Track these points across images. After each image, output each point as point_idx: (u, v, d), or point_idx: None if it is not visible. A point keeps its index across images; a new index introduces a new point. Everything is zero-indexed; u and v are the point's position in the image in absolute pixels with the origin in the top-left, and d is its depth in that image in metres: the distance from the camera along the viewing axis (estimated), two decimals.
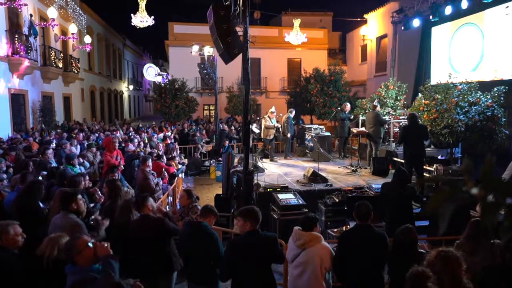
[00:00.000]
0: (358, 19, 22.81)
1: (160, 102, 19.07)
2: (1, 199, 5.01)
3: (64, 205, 3.76)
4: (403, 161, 8.13)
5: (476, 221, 3.48)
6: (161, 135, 13.06)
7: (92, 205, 4.82)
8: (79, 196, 3.87)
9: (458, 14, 12.33)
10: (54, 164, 6.94)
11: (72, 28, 16.48)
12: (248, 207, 3.62)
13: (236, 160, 10.12)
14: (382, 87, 12.06)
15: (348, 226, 5.70)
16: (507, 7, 10.85)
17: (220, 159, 10.98)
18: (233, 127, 15.48)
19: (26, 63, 12.79)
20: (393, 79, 12.72)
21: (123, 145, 9.38)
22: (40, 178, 5.52)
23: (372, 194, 6.75)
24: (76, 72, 18.48)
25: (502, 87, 8.88)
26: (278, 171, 9.84)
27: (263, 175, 8.88)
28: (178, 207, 7.29)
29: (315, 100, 17.80)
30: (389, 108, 11.41)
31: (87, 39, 17.86)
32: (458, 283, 2.59)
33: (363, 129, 10.19)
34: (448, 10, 12.14)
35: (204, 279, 3.74)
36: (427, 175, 8.04)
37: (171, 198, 7.79)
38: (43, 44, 15.31)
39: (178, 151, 11.68)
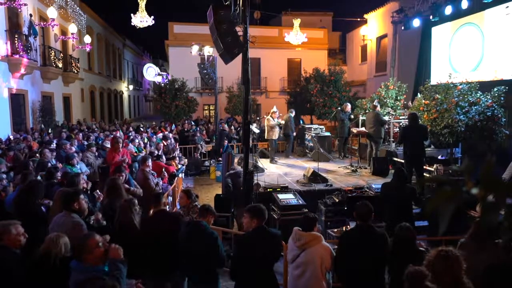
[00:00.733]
0: (358, 19, 22.82)
1: (160, 102, 19.07)
2: (1, 198, 5.01)
3: (65, 204, 3.77)
4: (403, 161, 8.13)
5: (479, 221, 3.48)
6: (160, 135, 13.06)
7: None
8: (81, 196, 3.88)
9: (458, 14, 12.32)
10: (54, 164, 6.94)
11: (72, 28, 16.47)
12: (256, 205, 3.65)
13: (236, 160, 10.12)
14: (382, 87, 12.05)
15: (348, 226, 5.70)
16: (507, 7, 10.84)
17: (220, 159, 10.98)
18: (233, 127, 15.47)
19: (25, 63, 12.79)
20: (393, 79, 12.72)
21: (123, 145, 9.36)
22: (39, 177, 5.53)
23: (372, 194, 6.75)
24: (76, 72, 18.48)
25: (502, 87, 8.88)
26: (278, 171, 9.84)
27: (263, 175, 8.88)
28: (178, 207, 7.30)
29: (315, 100, 17.79)
30: (389, 108, 11.41)
31: (87, 39, 17.86)
32: (458, 283, 2.59)
33: (363, 129, 10.19)
34: (448, 10, 12.14)
35: (204, 278, 3.74)
36: (427, 175, 8.04)
37: (171, 198, 7.78)
38: (43, 44, 15.31)
39: (178, 151, 11.68)
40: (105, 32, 26.50)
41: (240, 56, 6.14)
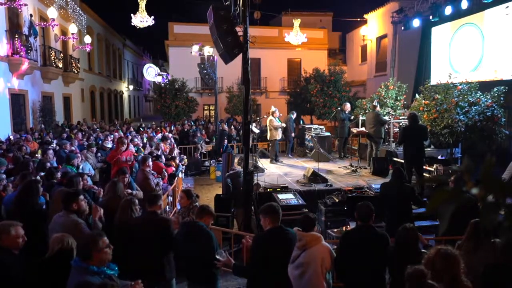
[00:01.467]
0: (358, 19, 22.83)
1: (160, 102, 19.09)
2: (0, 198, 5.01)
3: (65, 205, 3.78)
4: (403, 161, 8.13)
5: (476, 221, 3.49)
6: (160, 135, 13.06)
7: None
8: (81, 197, 3.88)
9: (458, 14, 12.33)
10: (55, 164, 6.94)
11: (72, 28, 16.48)
12: (268, 204, 3.64)
13: (236, 161, 10.12)
14: (382, 87, 12.05)
15: (348, 226, 5.70)
16: (507, 7, 10.85)
17: (220, 159, 10.97)
18: (232, 127, 15.48)
19: (26, 63, 12.79)
20: (393, 79, 12.72)
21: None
22: (38, 177, 5.53)
23: (372, 194, 6.75)
24: (76, 72, 18.48)
25: (502, 87, 8.88)
26: (278, 171, 9.84)
27: (263, 175, 8.88)
28: (178, 207, 7.30)
29: (315, 100, 17.80)
30: (389, 108, 11.41)
31: (87, 39, 17.86)
32: (457, 281, 2.61)
33: (363, 129, 10.19)
34: (448, 10, 12.14)
35: (202, 279, 3.74)
36: (427, 175, 8.04)
37: (171, 198, 7.79)
38: (43, 44, 15.31)
39: (178, 151, 11.68)
40: (105, 32, 26.50)
41: (240, 56, 6.14)
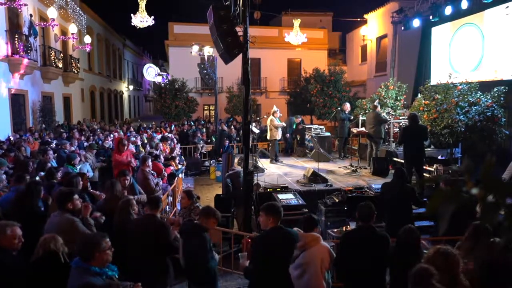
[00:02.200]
0: (358, 19, 22.82)
1: (160, 102, 19.10)
2: None
3: (60, 204, 3.78)
4: (403, 161, 8.13)
5: (476, 223, 3.51)
6: (159, 135, 13.07)
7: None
8: (76, 196, 3.87)
9: (458, 14, 12.32)
10: (54, 165, 6.94)
11: (72, 28, 16.48)
12: (271, 203, 3.62)
13: (236, 161, 10.12)
14: (382, 87, 12.05)
15: (348, 227, 5.70)
16: (507, 7, 10.84)
17: (220, 159, 10.97)
18: (232, 127, 15.48)
19: (26, 63, 12.79)
20: (393, 79, 12.72)
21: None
22: (37, 178, 5.52)
23: (372, 194, 6.75)
24: (76, 72, 18.48)
25: (502, 87, 8.88)
26: (278, 171, 9.84)
27: (263, 175, 8.88)
28: (179, 207, 7.30)
29: (315, 100, 17.80)
30: (389, 108, 11.41)
31: (87, 39, 17.86)
32: (456, 280, 2.61)
33: (363, 129, 10.18)
34: (448, 10, 12.13)
35: (202, 279, 3.74)
36: (427, 175, 8.04)
37: (171, 198, 7.79)
38: (43, 44, 15.31)
39: (179, 149, 11.68)
40: (105, 32, 26.50)
41: (240, 56, 6.13)
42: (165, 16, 26.57)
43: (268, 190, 7.22)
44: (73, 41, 17.72)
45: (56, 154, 7.90)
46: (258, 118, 17.08)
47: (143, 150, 9.64)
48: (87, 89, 22.20)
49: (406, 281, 2.71)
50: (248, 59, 6.15)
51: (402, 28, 15.61)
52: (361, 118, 11.28)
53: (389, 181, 6.01)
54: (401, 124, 10.28)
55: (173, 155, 10.28)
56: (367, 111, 11.15)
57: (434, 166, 8.11)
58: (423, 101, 9.55)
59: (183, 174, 10.55)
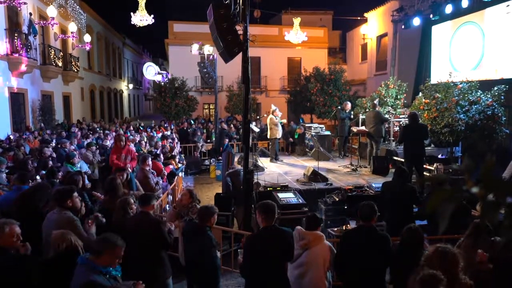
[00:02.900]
0: (358, 18, 22.78)
1: (160, 101, 19.07)
2: None
3: (59, 201, 3.75)
4: (403, 160, 8.13)
5: (477, 222, 3.51)
6: (159, 134, 13.06)
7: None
8: (75, 194, 3.86)
9: (459, 12, 12.30)
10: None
11: (72, 27, 16.46)
12: (264, 201, 3.60)
13: (236, 159, 10.11)
14: (382, 86, 12.04)
15: (349, 226, 5.70)
16: (507, 5, 10.82)
17: (220, 158, 10.97)
18: (232, 126, 15.47)
19: (25, 62, 12.78)
20: (393, 78, 12.70)
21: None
22: (38, 177, 5.50)
23: (372, 193, 6.75)
24: (75, 71, 18.47)
25: (503, 86, 8.87)
26: (278, 170, 9.84)
27: (263, 174, 8.87)
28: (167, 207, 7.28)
29: (315, 99, 17.79)
30: (389, 107, 11.41)
31: (87, 37, 17.84)
32: (455, 279, 2.60)
33: (363, 128, 10.18)
34: (449, 8, 12.11)
35: (206, 278, 3.74)
36: (427, 174, 8.04)
37: (171, 197, 7.78)
38: (42, 43, 15.30)
39: (179, 147, 11.67)
40: (105, 31, 26.47)
41: (240, 55, 6.12)
42: (165, 15, 26.57)
43: (268, 189, 7.22)
44: (72, 39, 17.70)
45: (55, 153, 7.89)
46: (258, 117, 17.07)
47: (144, 148, 9.64)
48: (86, 88, 22.18)
49: (407, 280, 2.70)
50: (248, 58, 6.13)
51: (403, 26, 15.59)
52: (361, 117, 11.27)
53: (390, 180, 6.01)
54: (401, 123, 10.27)
55: (173, 153, 10.27)
56: (367, 110, 11.14)
57: (434, 165, 8.11)
58: (423, 100, 9.54)
59: (183, 173, 10.55)
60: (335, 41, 31.04)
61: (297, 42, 14.61)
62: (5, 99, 12.56)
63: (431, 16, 13.20)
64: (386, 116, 10.39)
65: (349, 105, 11.64)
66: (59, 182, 5.18)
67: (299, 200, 6.56)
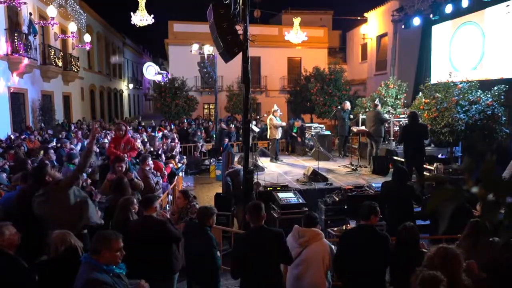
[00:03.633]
0: (358, 18, 22.78)
1: (160, 101, 19.08)
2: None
3: (38, 179, 3.88)
4: (403, 160, 8.13)
5: (475, 221, 3.49)
6: (160, 134, 13.06)
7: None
8: (49, 167, 3.97)
9: (459, 12, 12.30)
10: (54, 164, 6.93)
11: (72, 27, 16.46)
12: (253, 202, 3.58)
13: (236, 159, 10.10)
14: (382, 85, 12.04)
15: (349, 225, 5.70)
16: (507, 5, 10.82)
17: (220, 158, 10.96)
18: (232, 126, 15.47)
19: (25, 61, 12.78)
20: (394, 77, 12.70)
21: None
22: None
23: (372, 193, 6.74)
24: (75, 71, 18.47)
25: (503, 85, 8.87)
26: (278, 170, 9.84)
27: (263, 174, 8.87)
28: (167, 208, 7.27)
29: (315, 99, 17.78)
30: (389, 107, 11.41)
31: (87, 37, 17.84)
32: (456, 279, 2.60)
33: (363, 128, 10.18)
34: (449, 8, 12.11)
35: (206, 278, 3.74)
36: (427, 174, 8.04)
37: (171, 197, 7.79)
38: (42, 42, 15.30)
39: (179, 147, 11.66)
40: (105, 30, 26.47)
41: (240, 54, 6.12)
42: (165, 15, 26.49)
43: (268, 189, 7.21)
44: (72, 39, 17.70)
45: (55, 154, 7.89)
46: (258, 117, 17.07)
47: (144, 148, 9.63)
48: (87, 87, 22.19)
49: (406, 279, 2.70)
50: (248, 58, 6.13)
51: (403, 26, 15.58)
52: (361, 116, 11.27)
53: (390, 180, 6.01)
54: (401, 122, 10.27)
55: (173, 153, 10.28)
56: (367, 109, 11.14)
57: (434, 164, 8.11)
58: (423, 99, 9.54)
59: (183, 172, 10.55)
60: (335, 41, 31.04)
61: (297, 42, 14.60)
62: (5, 99, 12.56)
63: (431, 16, 13.19)
64: (386, 116, 10.38)
65: (347, 104, 11.63)
66: None
67: (299, 200, 6.56)
